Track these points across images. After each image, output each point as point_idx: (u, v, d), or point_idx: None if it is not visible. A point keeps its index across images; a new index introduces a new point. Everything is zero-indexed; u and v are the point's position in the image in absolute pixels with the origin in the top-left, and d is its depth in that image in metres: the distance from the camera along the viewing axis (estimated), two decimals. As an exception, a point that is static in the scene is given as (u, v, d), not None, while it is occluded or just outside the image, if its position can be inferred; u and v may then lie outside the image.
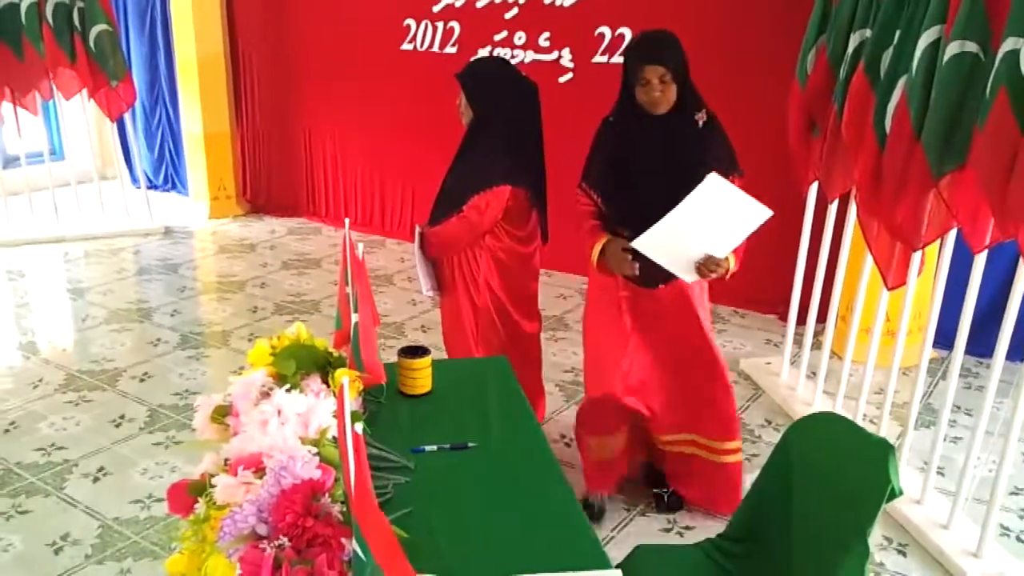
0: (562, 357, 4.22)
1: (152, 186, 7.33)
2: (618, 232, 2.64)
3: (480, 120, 2.81)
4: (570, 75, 5.17)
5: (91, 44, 5.76)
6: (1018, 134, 2.29)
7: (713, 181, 2.38)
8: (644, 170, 2.60)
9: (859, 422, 3.18)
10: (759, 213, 2.43)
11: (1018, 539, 2.89)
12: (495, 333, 2.97)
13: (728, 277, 2.60)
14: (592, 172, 2.74)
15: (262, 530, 1.33)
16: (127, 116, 6.20)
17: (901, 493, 1.65)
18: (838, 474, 1.77)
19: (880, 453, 1.67)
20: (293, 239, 6.30)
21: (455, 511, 1.66)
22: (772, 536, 1.90)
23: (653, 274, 2.60)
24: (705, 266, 2.52)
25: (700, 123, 2.57)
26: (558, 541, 1.58)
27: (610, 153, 2.68)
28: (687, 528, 2.91)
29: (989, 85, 2.37)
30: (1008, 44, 2.29)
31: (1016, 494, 3.13)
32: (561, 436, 3.45)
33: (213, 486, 1.46)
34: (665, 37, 2.58)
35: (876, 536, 2.84)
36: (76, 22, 5.71)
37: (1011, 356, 2.68)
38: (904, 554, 2.81)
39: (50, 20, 5.64)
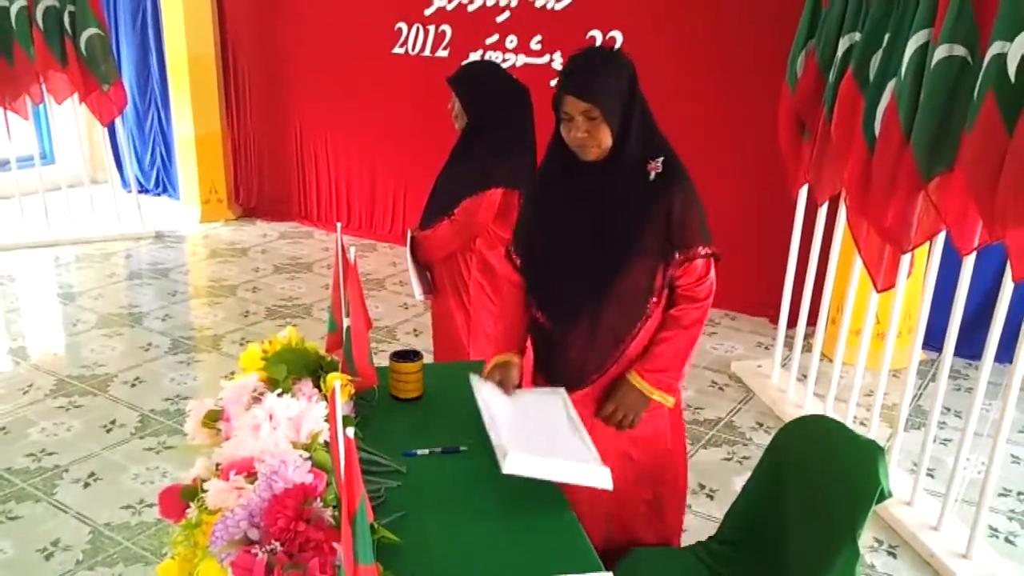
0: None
1: (143, 190, 7.33)
2: (536, 313, 2.07)
3: (474, 124, 2.81)
4: (561, 79, 5.17)
5: (82, 48, 5.74)
6: (1005, 137, 2.31)
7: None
8: (562, 236, 1.99)
9: (849, 424, 3.19)
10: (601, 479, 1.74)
11: (1007, 540, 2.91)
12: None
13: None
14: (516, 231, 2.19)
15: (254, 535, 1.33)
16: (118, 120, 6.19)
17: (891, 495, 1.66)
18: (828, 476, 1.78)
19: (870, 455, 1.68)
20: (285, 243, 6.29)
21: (447, 515, 1.66)
22: (763, 538, 1.91)
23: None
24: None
25: (652, 175, 1.90)
26: (551, 544, 1.58)
27: (531, 209, 2.14)
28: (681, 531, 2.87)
29: (977, 88, 2.39)
30: (995, 48, 2.31)
31: (1005, 495, 3.15)
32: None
33: (205, 491, 1.46)
34: (598, 62, 1.93)
35: (866, 538, 2.85)
36: (67, 26, 5.70)
37: (999, 358, 2.70)
38: (894, 555, 2.82)
39: (40, 24, 5.62)
